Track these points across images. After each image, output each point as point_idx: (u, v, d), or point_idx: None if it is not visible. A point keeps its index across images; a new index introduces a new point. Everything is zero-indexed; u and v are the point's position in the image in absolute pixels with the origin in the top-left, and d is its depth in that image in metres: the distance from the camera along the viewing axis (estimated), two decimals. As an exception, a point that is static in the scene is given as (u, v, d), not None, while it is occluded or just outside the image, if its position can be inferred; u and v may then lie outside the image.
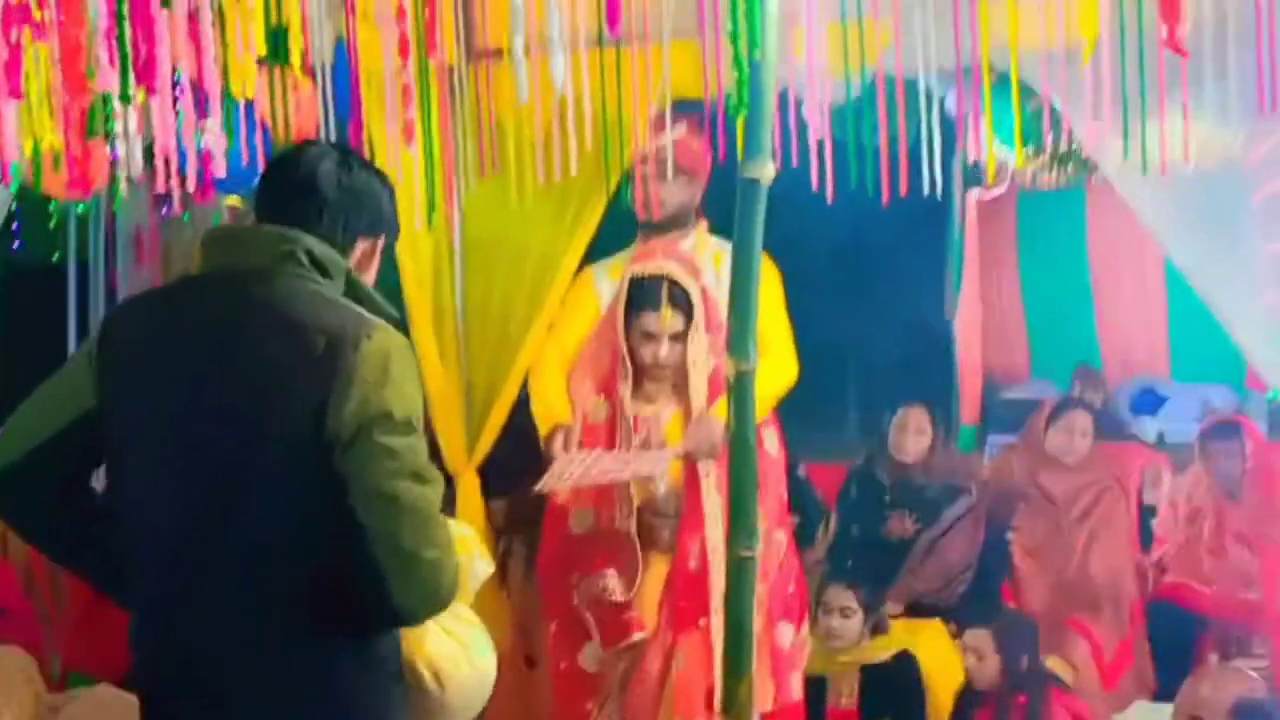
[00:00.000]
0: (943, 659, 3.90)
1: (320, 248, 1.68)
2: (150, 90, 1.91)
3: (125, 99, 1.52)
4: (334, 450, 1.57)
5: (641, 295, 2.97)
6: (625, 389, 2.99)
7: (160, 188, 2.10)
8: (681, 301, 2.94)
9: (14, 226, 5.54)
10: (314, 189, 1.72)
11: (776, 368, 3.07)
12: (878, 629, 3.95)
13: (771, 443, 3.17)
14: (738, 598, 2.35)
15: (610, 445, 3.00)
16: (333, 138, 2.66)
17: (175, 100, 2.17)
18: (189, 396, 1.64)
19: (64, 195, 2.93)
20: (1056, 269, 7.96)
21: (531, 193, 3.07)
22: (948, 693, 3.78)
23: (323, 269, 1.68)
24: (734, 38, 1.98)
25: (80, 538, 1.78)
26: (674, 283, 2.95)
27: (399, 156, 2.85)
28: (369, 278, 1.80)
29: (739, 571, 2.34)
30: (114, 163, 2.19)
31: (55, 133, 1.82)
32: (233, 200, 6.11)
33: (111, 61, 1.58)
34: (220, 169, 2.33)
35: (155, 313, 1.75)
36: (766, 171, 2.25)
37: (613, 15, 1.45)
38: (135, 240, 5.47)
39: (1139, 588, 4.09)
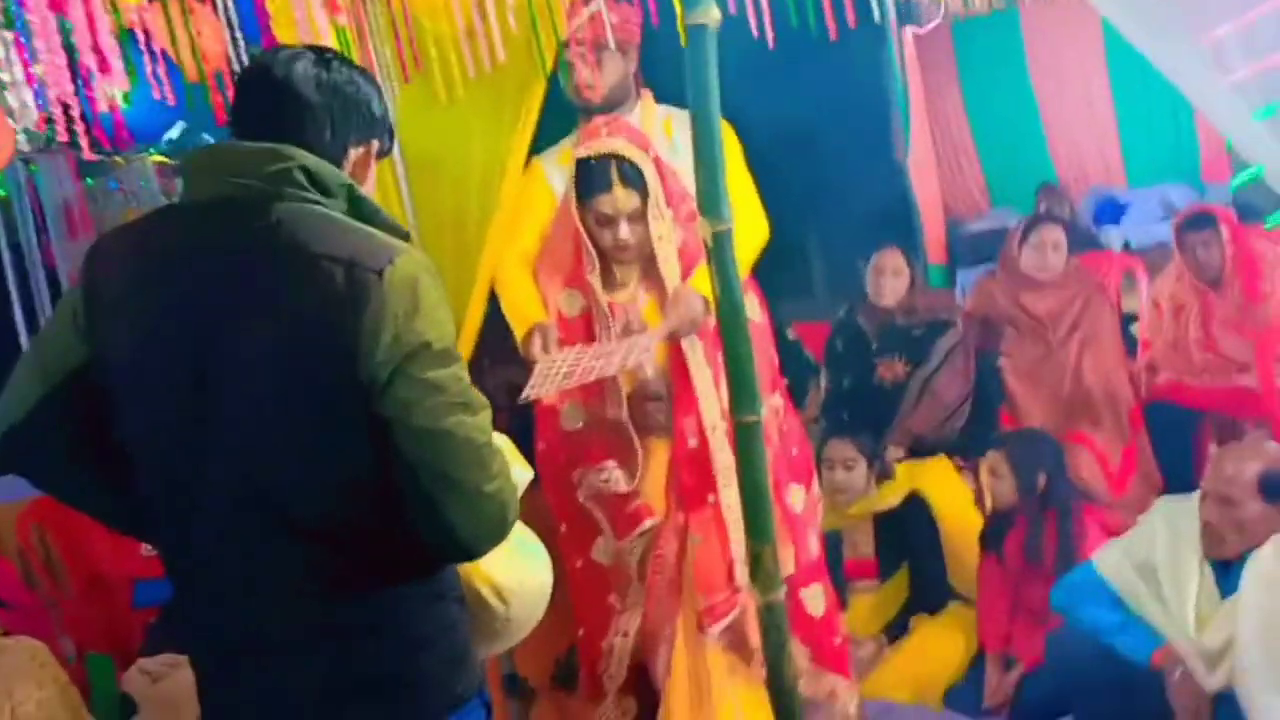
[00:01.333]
0: (951, 494, 3.89)
1: (316, 162, 1.50)
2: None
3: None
4: (372, 391, 1.42)
5: (591, 178, 2.81)
6: (594, 278, 2.86)
7: (63, 137, 1.89)
8: (633, 178, 2.78)
9: (-59, 220, 5.29)
10: (294, 94, 1.53)
11: (747, 227, 2.92)
12: (883, 475, 3.91)
13: (753, 307, 3.04)
14: (750, 465, 2.26)
15: (589, 338, 2.88)
16: (243, 60, 2.46)
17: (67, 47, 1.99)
18: (196, 345, 1.46)
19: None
20: (1000, 94, 7.85)
21: (462, 90, 2.89)
22: (963, 524, 3.76)
23: (323, 187, 1.50)
24: None
25: (102, 490, 1.63)
26: (622, 159, 2.78)
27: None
28: (367, 190, 1.60)
29: (747, 439, 2.24)
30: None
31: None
32: (157, 157, 5.87)
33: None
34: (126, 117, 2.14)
35: (143, 251, 1.54)
36: (712, 14, 2.08)
37: None
38: (65, 213, 5.24)
39: (1134, 392, 4.05)
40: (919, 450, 4.06)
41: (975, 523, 3.72)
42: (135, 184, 5.78)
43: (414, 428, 1.43)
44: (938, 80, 7.86)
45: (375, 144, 1.63)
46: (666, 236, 2.83)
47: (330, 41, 2.71)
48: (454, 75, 2.89)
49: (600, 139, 2.82)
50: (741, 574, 2.77)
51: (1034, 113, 7.84)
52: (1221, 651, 2.66)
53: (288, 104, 1.53)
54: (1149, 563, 2.82)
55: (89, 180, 5.74)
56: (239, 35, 2.38)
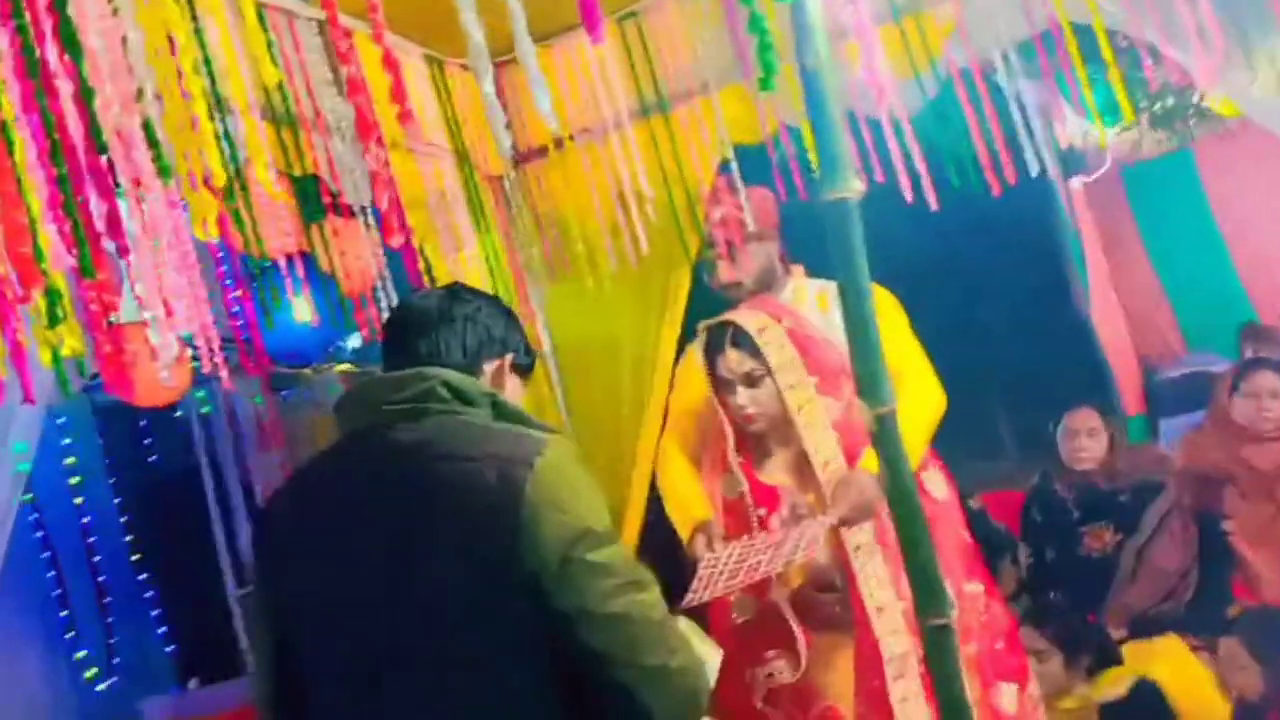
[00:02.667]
0: (1188, 678, 3.36)
1: (457, 377, 1.59)
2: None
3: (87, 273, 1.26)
4: (540, 582, 1.44)
5: (711, 345, 2.68)
6: (732, 453, 2.67)
7: (205, 367, 1.85)
8: (746, 342, 2.61)
9: (146, 442, 5.55)
10: (428, 324, 1.66)
11: (920, 398, 2.67)
12: (1105, 661, 3.43)
13: (936, 484, 2.75)
14: (943, 675, 1.93)
15: (747, 515, 2.65)
16: (386, 272, 2.42)
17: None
18: (362, 569, 1.51)
19: (150, 401, 2.74)
20: (1183, 235, 7.40)
21: (610, 284, 2.81)
22: (1205, 713, 3.23)
23: (465, 398, 1.57)
24: (759, 29, 1.63)
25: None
26: (737, 327, 2.63)
27: (462, 275, 2.61)
28: (515, 399, 1.69)
29: (936, 645, 1.92)
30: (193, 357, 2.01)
31: (73, 335, 1.59)
32: (342, 367, 6.07)
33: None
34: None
35: (304, 492, 1.65)
36: (852, 186, 1.88)
37: (590, 20, 1.16)
38: (258, 427, 5.41)
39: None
40: (1142, 629, 3.55)
41: (1220, 710, 3.19)
42: (324, 394, 5.97)
43: (591, 612, 1.44)
44: (1113, 227, 7.49)
45: (509, 357, 1.72)
46: (809, 408, 2.60)
47: (474, 251, 2.68)
48: (601, 270, 2.82)
49: (730, 312, 2.69)
50: None
51: (1222, 251, 7.34)
52: None
53: (426, 333, 1.65)
54: None
55: (282, 394, 5.97)
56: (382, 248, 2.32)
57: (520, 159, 2.95)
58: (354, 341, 6.01)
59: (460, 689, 1.48)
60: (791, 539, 2.46)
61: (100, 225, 1.19)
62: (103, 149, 1.16)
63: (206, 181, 1.37)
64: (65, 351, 1.61)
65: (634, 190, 2.75)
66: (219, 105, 1.57)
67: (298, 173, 2.17)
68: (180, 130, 1.28)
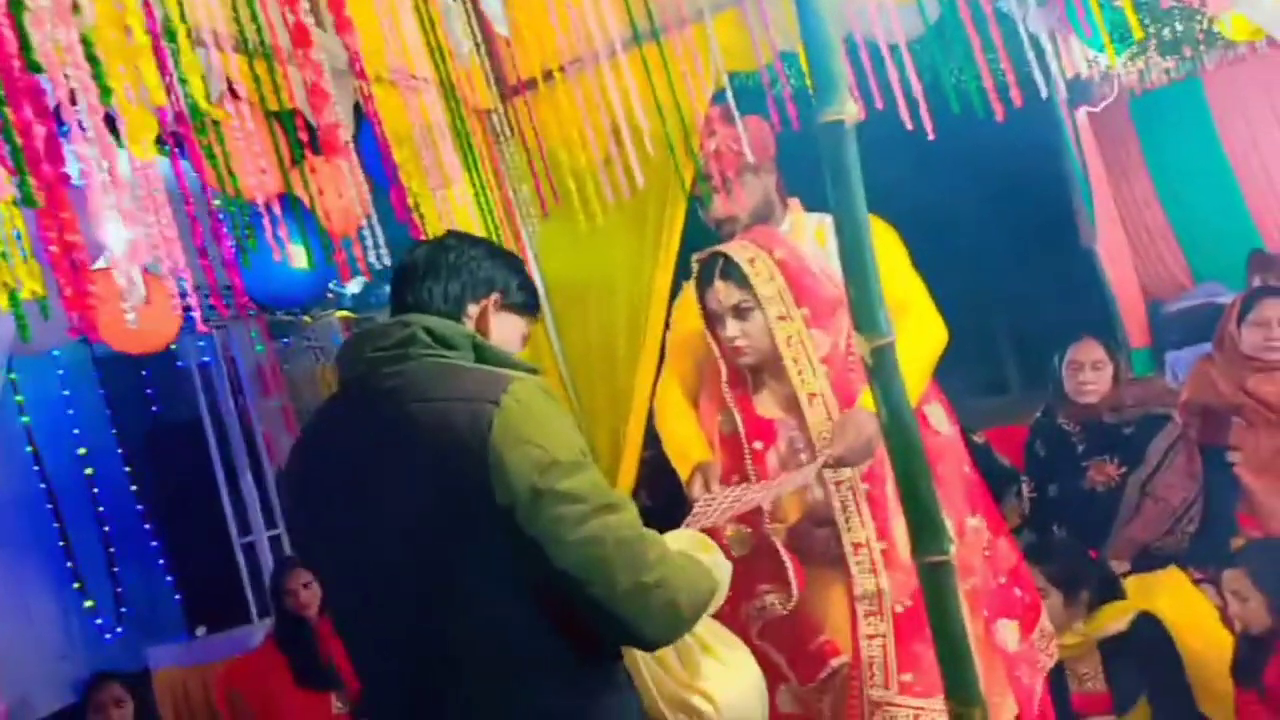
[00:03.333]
0: (1191, 611, 3.32)
1: (438, 322, 1.66)
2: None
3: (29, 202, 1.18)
4: (514, 514, 1.50)
5: (703, 278, 2.60)
6: (726, 388, 2.61)
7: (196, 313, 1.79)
8: (734, 274, 2.53)
9: (148, 392, 5.50)
10: (415, 274, 1.76)
11: (920, 331, 2.59)
12: (1105, 596, 3.40)
13: (938, 418, 2.68)
14: (941, 613, 1.86)
15: (742, 451, 2.61)
16: (372, 211, 2.34)
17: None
18: (366, 512, 1.60)
19: (135, 347, 2.67)
20: (1191, 165, 7.28)
21: (602, 218, 2.71)
22: (1208, 645, 3.20)
23: (446, 342, 1.65)
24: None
25: None
26: (727, 258, 2.55)
27: (451, 212, 2.52)
28: (505, 343, 1.76)
29: (936, 582, 1.85)
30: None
31: (32, 278, 1.52)
32: (343, 313, 6.00)
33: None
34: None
35: (309, 443, 1.76)
36: (848, 109, 1.79)
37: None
38: (258, 375, 5.36)
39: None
40: (1146, 563, 3.50)
41: (1224, 643, 3.15)
42: (324, 340, 5.91)
43: (564, 540, 1.49)
44: (1120, 159, 7.36)
45: (495, 297, 1.78)
46: (797, 341, 2.52)
47: (463, 188, 2.59)
48: (593, 205, 2.72)
49: (723, 245, 2.61)
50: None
51: (1230, 180, 7.22)
52: None
53: (411, 284, 1.76)
54: None
55: (283, 341, 5.91)
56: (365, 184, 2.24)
57: (509, 92, 2.85)
58: (353, 287, 5.93)
59: (448, 622, 1.54)
60: (786, 482, 2.41)
61: (40, 148, 1.11)
62: (35, 68, 1.09)
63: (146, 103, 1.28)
64: (24, 294, 1.55)
65: (627, 122, 2.64)
66: (168, 34, 1.48)
67: (273, 107, 2.08)
68: (115, 47, 1.19)
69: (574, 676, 1.59)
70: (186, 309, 1.81)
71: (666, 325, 2.93)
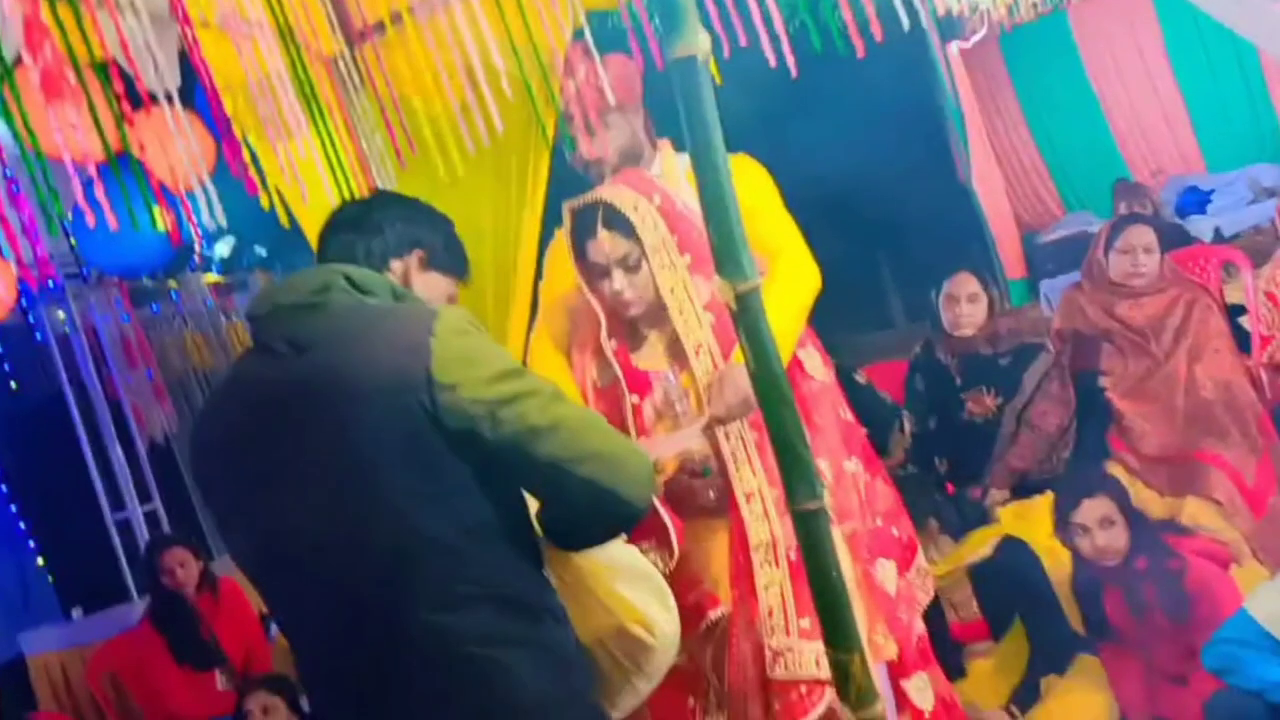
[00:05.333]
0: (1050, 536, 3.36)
1: (358, 271, 1.62)
2: None
3: None
4: (478, 431, 1.47)
5: (579, 228, 2.45)
6: (606, 340, 2.49)
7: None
8: (621, 224, 2.40)
9: (5, 368, 5.18)
10: (337, 229, 1.74)
11: (793, 276, 2.52)
12: (970, 525, 3.45)
13: (813, 363, 2.62)
14: (817, 560, 1.81)
15: (619, 404, 2.51)
16: (204, 166, 2.15)
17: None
18: (294, 471, 1.53)
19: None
20: (1059, 98, 7.39)
21: (463, 169, 2.57)
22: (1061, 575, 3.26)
23: (365, 289, 1.60)
24: None
25: None
26: (609, 205, 2.41)
27: (296, 167, 2.35)
28: (429, 296, 1.74)
29: (808, 530, 1.79)
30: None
31: None
32: (211, 277, 5.72)
33: None
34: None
35: (223, 410, 1.66)
36: (700, 44, 1.68)
37: None
38: (123, 344, 5.08)
39: (1259, 395, 3.49)
40: (1024, 490, 3.55)
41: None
42: (194, 307, 5.64)
43: (539, 429, 1.48)
44: (992, 93, 7.42)
45: (417, 255, 1.76)
46: (682, 289, 2.43)
47: (309, 136, 2.42)
48: (452, 154, 2.57)
49: (595, 190, 2.47)
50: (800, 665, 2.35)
51: (1097, 112, 7.36)
52: None
53: (333, 239, 1.75)
54: (1317, 603, 2.30)
55: (154, 308, 5.62)
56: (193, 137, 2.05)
57: (355, 37, 2.67)
58: (222, 250, 5.64)
59: (396, 570, 1.50)
60: (667, 443, 2.35)
61: None
62: None
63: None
64: None
65: (483, 65, 2.49)
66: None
67: (83, 58, 1.88)
68: None
69: (520, 606, 1.57)
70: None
71: (539, 275, 2.81)
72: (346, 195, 2.46)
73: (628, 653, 1.78)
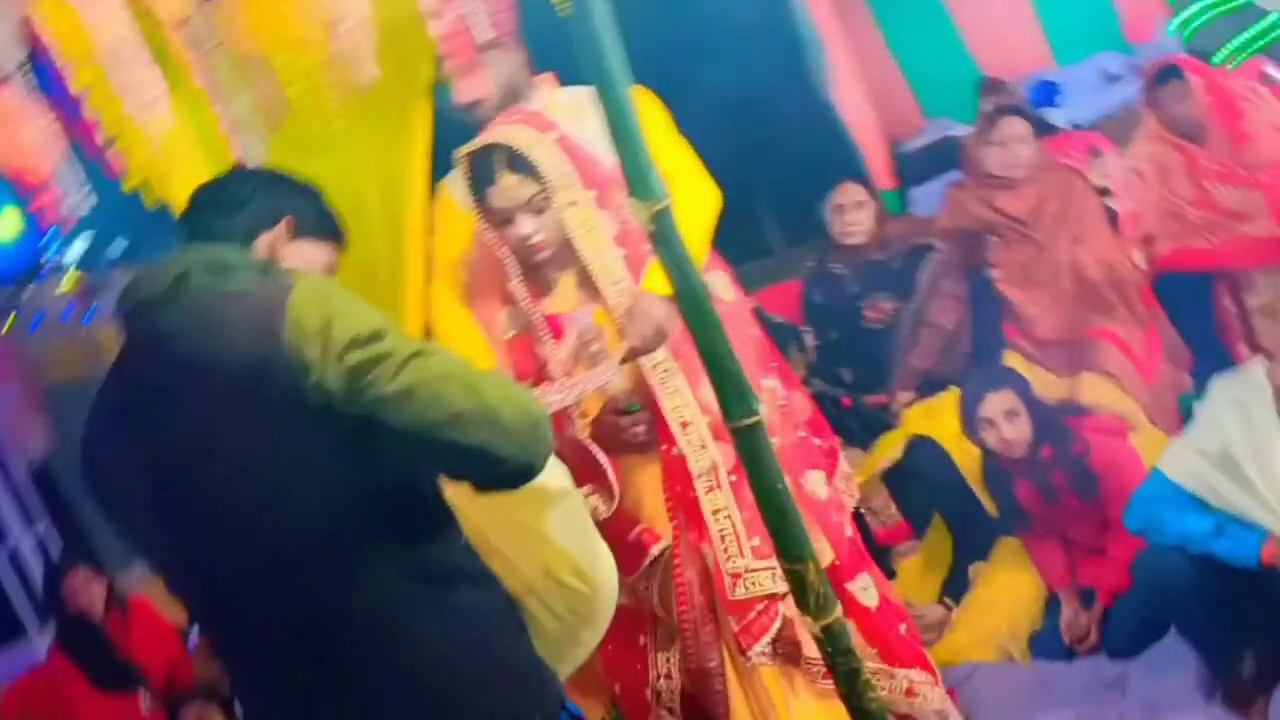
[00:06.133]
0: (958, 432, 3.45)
1: (218, 251, 1.56)
2: None
3: None
4: (335, 404, 1.41)
5: (478, 174, 2.36)
6: (517, 286, 2.42)
7: None
8: (524, 165, 2.32)
9: None
10: (196, 211, 1.68)
11: (694, 196, 2.48)
12: (882, 428, 3.52)
13: (722, 285, 2.60)
14: (760, 474, 1.82)
15: (534, 350, 2.47)
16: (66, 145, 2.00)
17: None
18: (185, 472, 1.49)
19: None
20: (909, 7, 7.46)
21: (339, 123, 2.44)
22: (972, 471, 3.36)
23: (225, 270, 1.53)
24: None
25: None
26: (508, 147, 2.32)
27: (160, 140, 2.21)
28: (305, 266, 1.65)
29: (749, 443, 1.80)
30: None
31: None
32: (71, 277, 5.40)
33: None
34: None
35: (101, 420, 1.59)
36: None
37: None
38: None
39: (1139, 270, 3.62)
40: (928, 389, 3.63)
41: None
42: (55, 315, 5.32)
43: (388, 398, 1.40)
44: (845, 9, 7.47)
45: (283, 225, 1.68)
46: (590, 226, 2.37)
47: (171, 110, 2.27)
48: (326, 109, 2.44)
49: (485, 134, 2.37)
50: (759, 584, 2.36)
51: (944, 16, 7.46)
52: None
53: (191, 223, 1.67)
54: (1225, 452, 2.40)
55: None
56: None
57: (205, -5, 2.50)
58: (76, 249, 5.32)
59: (303, 556, 1.46)
60: (587, 380, 2.27)
61: None
62: None
63: None
64: None
65: (348, 12, 2.36)
66: None
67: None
68: None
69: (426, 573, 1.51)
70: None
71: (430, 232, 2.72)
72: (215, 166, 2.32)
73: (566, 605, 1.72)
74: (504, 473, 1.47)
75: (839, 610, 1.83)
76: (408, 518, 1.51)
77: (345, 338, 1.42)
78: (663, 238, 1.70)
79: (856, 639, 2.53)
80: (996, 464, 3.18)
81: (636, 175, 1.70)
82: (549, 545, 1.71)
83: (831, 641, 1.82)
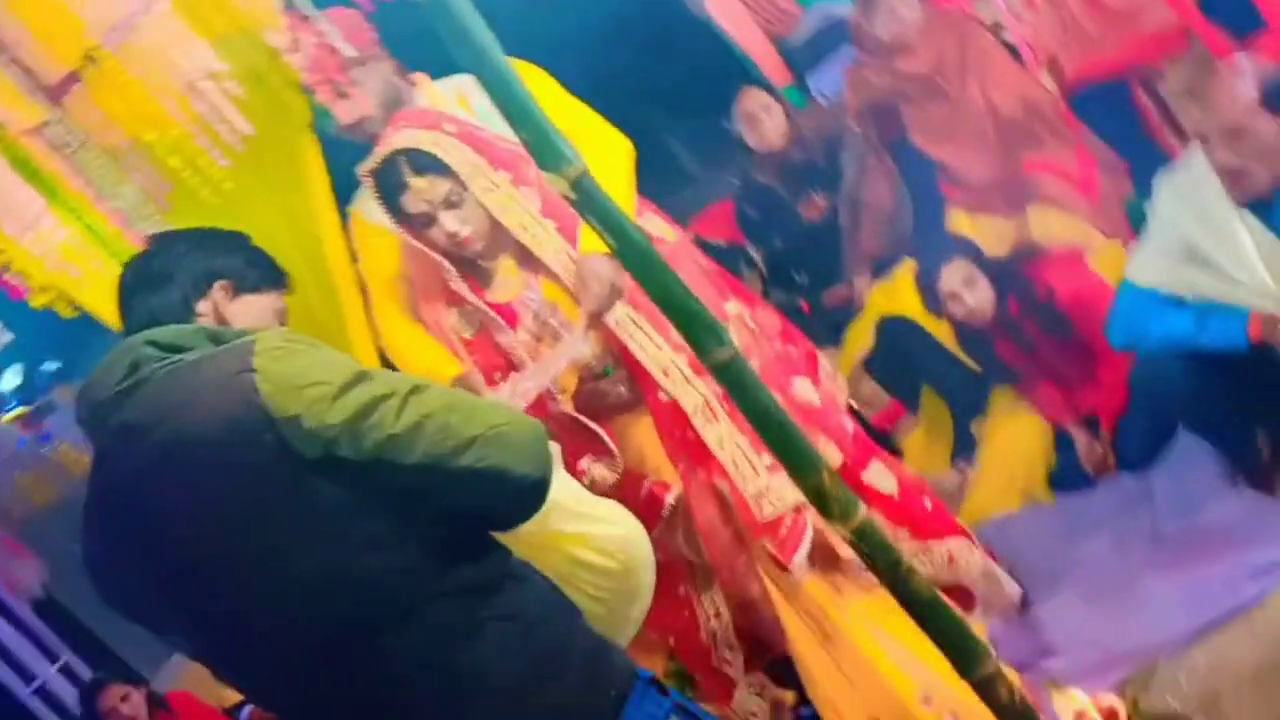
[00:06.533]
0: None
1: (160, 332, 1.50)
2: None
3: None
4: (339, 452, 1.36)
5: (387, 188, 2.33)
6: (459, 284, 2.40)
7: None
8: (428, 163, 2.29)
9: None
10: (127, 298, 1.63)
11: (604, 150, 2.44)
12: (846, 321, 3.52)
13: (659, 227, 2.58)
14: (750, 402, 1.78)
15: (495, 343, 2.46)
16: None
17: None
18: (194, 561, 1.43)
19: None
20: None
21: (230, 184, 2.38)
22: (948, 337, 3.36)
23: (176, 348, 1.47)
24: None
25: None
26: (409, 152, 2.29)
27: (56, 254, 2.13)
28: (254, 322, 1.61)
29: (730, 378, 1.76)
30: None
31: None
32: (13, 415, 5.28)
33: None
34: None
35: (102, 525, 1.52)
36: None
37: None
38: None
39: (1052, 93, 3.61)
40: (883, 269, 3.62)
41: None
42: (10, 452, 5.21)
43: (397, 436, 1.36)
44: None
45: (220, 287, 1.63)
46: (513, 205, 2.35)
47: (56, 221, 2.19)
48: (211, 174, 2.38)
49: (380, 146, 2.33)
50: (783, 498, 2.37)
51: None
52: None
53: (129, 310, 1.62)
54: (1187, 245, 2.40)
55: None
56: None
57: (55, 95, 2.41)
58: (10, 381, 5.19)
59: (358, 594, 1.41)
60: (553, 359, 2.29)
61: None
62: None
63: None
64: None
65: (203, 71, 2.29)
66: None
67: None
68: None
69: (473, 587, 1.46)
70: None
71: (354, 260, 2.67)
72: (120, 261, 2.25)
73: (602, 586, 1.69)
74: (526, 490, 1.45)
75: (863, 509, 1.82)
76: (437, 543, 1.46)
77: (332, 385, 1.38)
78: (587, 202, 1.65)
79: (886, 525, 2.57)
80: (969, 331, 3.19)
81: (543, 147, 1.65)
82: (562, 533, 1.67)
83: (864, 541, 1.80)
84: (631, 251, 1.71)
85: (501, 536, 1.62)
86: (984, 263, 3.11)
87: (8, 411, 5.10)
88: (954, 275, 3.08)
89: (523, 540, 1.65)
